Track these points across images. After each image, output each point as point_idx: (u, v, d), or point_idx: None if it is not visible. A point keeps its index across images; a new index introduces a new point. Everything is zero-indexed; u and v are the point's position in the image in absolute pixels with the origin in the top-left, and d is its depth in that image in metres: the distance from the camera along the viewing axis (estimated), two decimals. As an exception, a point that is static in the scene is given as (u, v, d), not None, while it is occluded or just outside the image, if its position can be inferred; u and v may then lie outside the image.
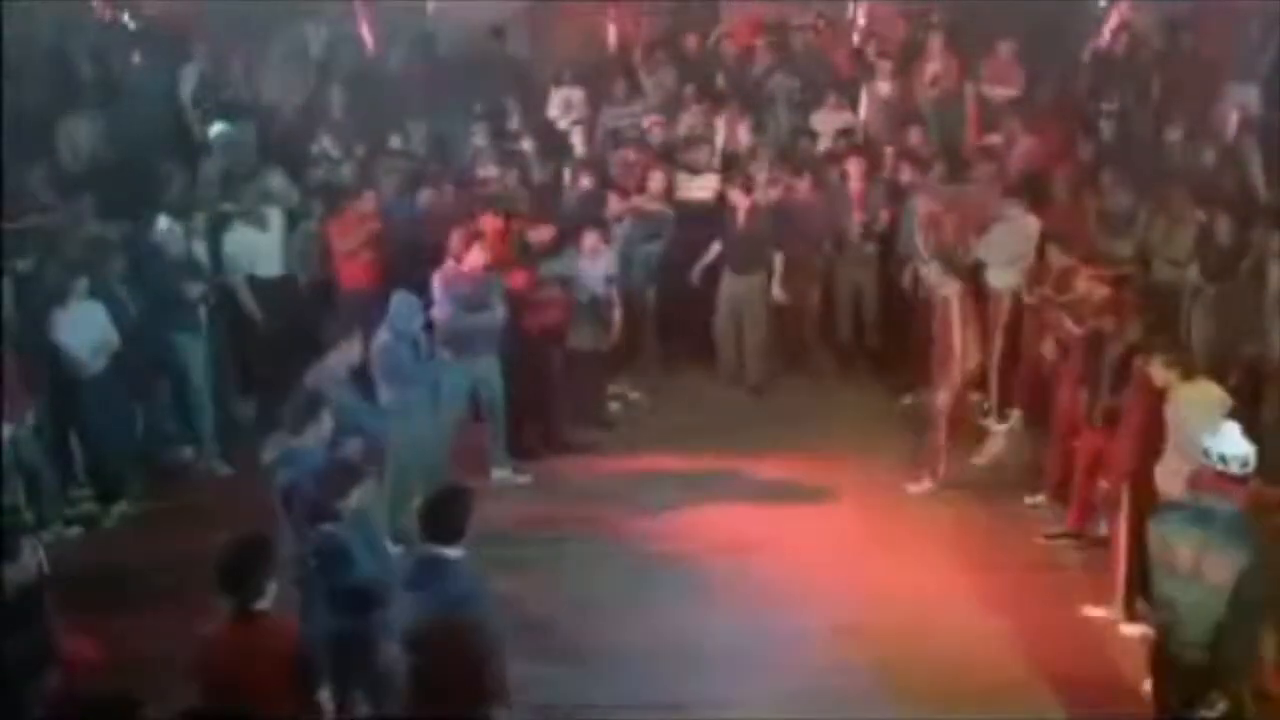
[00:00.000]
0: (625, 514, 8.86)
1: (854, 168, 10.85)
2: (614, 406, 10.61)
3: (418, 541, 5.85)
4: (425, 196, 10.57)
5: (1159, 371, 7.08)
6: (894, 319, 11.01)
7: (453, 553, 5.63)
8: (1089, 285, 8.66)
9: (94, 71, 12.75)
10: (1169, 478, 6.98)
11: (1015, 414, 9.85)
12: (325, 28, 13.38)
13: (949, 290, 9.14)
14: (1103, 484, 7.48)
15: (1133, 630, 7.43)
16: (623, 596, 7.90)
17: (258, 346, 10.01)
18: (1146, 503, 7.18)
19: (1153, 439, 7.18)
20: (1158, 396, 7.12)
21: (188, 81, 12.69)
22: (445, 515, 5.72)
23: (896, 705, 6.89)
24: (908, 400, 10.56)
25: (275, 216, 10.20)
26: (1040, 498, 8.97)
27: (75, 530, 8.75)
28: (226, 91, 12.73)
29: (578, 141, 11.71)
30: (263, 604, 5.19)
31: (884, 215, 10.83)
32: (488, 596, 5.67)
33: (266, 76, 12.98)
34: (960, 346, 9.04)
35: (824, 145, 11.87)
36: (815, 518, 8.82)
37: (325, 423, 6.76)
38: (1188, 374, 7.02)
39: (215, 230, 10.11)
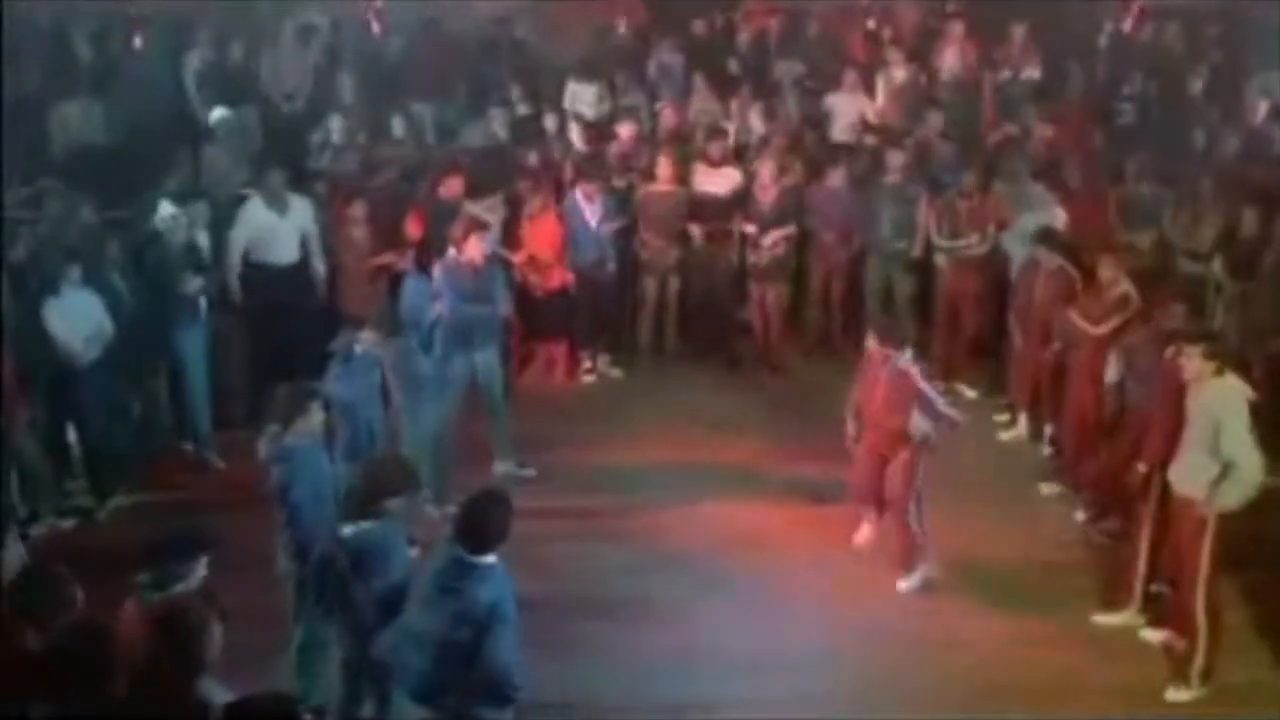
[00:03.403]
0: (633, 509, 8.65)
1: (892, 160, 10.58)
2: (588, 380, 10.65)
3: (447, 543, 5.48)
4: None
5: (1194, 363, 6.71)
6: (922, 316, 10.76)
7: (482, 560, 5.31)
8: (1113, 274, 8.39)
9: (93, 55, 12.61)
10: (1189, 475, 6.74)
11: (1021, 420, 9.60)
12: (331, 12, 13.22)
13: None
14: (1140, 468, 7.12)
15: (1154, 636, 7.20)
16: (632, 593, 7.71)
17: (263, 335, 9.76)
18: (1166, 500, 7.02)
19: (1176, 433, 6.89)
20: (1181, 389, 6.81)
21: (191, 66, 12.55)
22: (484, 522, 5.36)
23: (907, 709, 6.71)
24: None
25: (297, 205, 9.92)
26: (1057, 487, 8.79)
27: (69, 523, 8.56)
28: (230, 76, 12.56)
29: (576, 138, 11.41)
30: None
31: (920, 212, 10.50)
32: (513, 600, 5.33)
33: (270, 61, 12.80)
34: None
35: (840, 129, 11.73)
36: (826, 516, 8.53)
37: (315, 415, 6.55)
38: (1221, 368, 6.70)
39: (219, 218, 9.87)
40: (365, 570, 5.68)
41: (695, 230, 10.77)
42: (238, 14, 13.14)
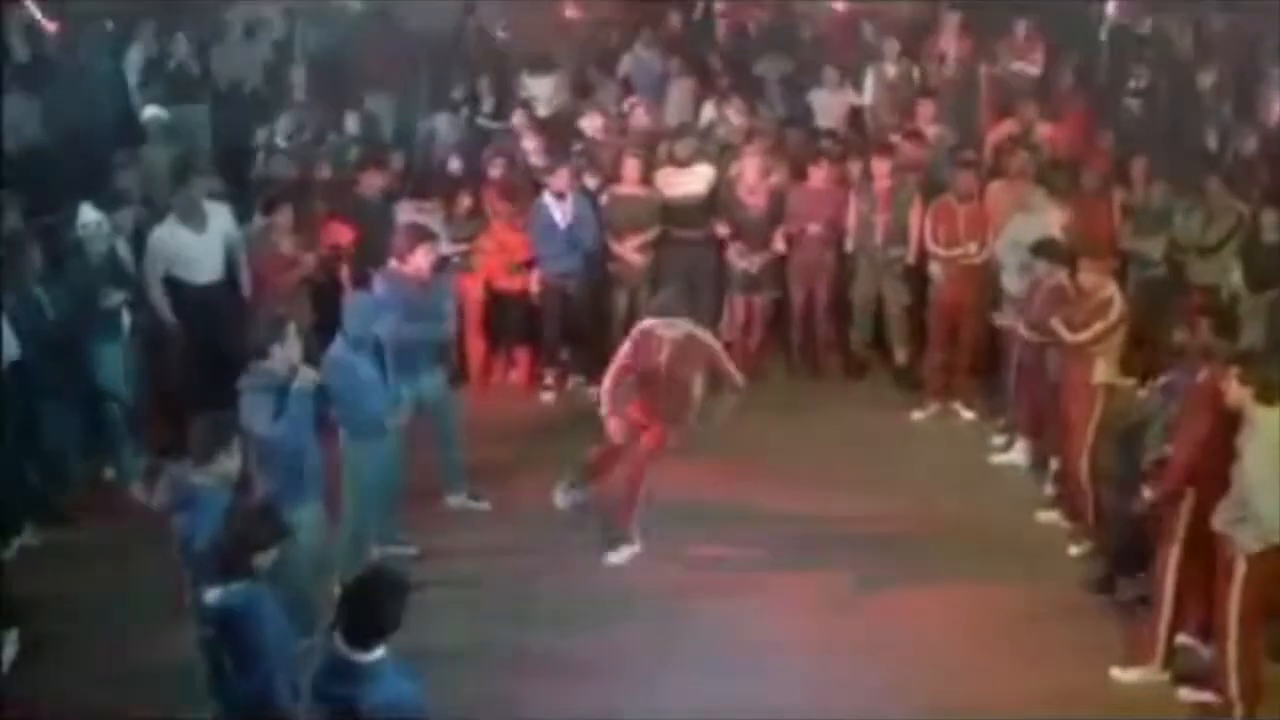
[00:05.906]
0: (595, 547, 7.82)
1: (880, 166, 9.80)
2: (546, 397, 9.91)
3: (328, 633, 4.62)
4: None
5: (1233, 390, 6.00)
6: (916, 327, 10.00)
7: (369, 656, 4.42)
8: (1096, 279, 7.71)
9: (30, 51, 11.81)
10: (1221, 510, 6.03)
11: (1020, 445, 8.85)
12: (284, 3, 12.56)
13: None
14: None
15: (1191, 696, 6.41)
16: (590, 644, 6.93)
17: (183, 361, 8.93)
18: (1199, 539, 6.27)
19: (1213, 463, 6.13)
20: (1226, 415, 6.08)
21: (134, 62, 11.80)
22: (372, 612, 4.44)
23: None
24: (919, 416, 9.53)
25: (217, 216, 9.06)
26: (1054, 514, 8.13)
27: (-34, 565, 7.74)
28: (176, 73, 11.81)
29: (530, 146, 10.55)
30: None
31: (914, 216, 9.74)
32: (417, 701, 4.49)
33: (220, 56, 12.05)
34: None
35: (826, 127, 11.07)
36: (813, 555, 7.76)
37: (235, 457, 5.71)
38: (1266, 394, 5.92)
39: (143, 228, 9.03)
40: (237, 639, 4.91)
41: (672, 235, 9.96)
42: (185, 3, 12.40)
